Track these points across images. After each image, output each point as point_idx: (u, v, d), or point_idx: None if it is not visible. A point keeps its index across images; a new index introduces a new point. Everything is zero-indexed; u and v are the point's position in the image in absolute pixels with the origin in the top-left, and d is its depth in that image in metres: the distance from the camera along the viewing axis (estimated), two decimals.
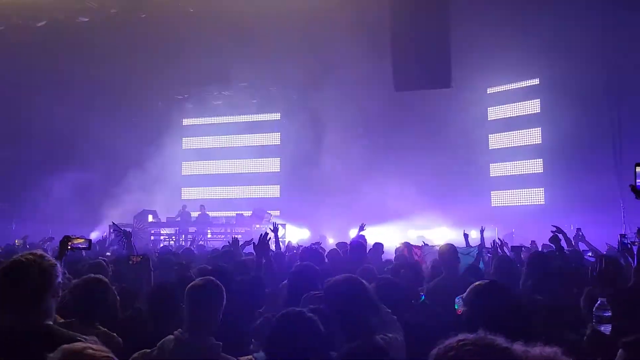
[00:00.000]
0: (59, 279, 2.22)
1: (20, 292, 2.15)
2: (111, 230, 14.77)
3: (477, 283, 2.82)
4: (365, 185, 16.43)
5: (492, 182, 17.85)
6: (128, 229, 6.81)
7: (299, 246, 9.55)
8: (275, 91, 18.89)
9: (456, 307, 3.00)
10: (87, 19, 15.92)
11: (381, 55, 13.77)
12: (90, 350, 1.66)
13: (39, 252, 2.30)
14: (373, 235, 11.14)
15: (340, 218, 16.26)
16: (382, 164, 16.40)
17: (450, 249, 4.72)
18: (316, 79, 16.47)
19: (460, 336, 1.39)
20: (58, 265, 2.25)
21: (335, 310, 2.52)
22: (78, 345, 1.71)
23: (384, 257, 8.17)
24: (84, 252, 8.91)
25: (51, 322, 2.21)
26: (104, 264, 5.03)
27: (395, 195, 16.06)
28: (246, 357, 2.40)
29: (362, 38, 13.47)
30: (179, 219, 16.62)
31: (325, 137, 16.69)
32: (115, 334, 3.18)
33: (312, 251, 5.25)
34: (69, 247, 3.96)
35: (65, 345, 1.69)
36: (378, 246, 8.11)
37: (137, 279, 4.56)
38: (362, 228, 9.06)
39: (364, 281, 2.59)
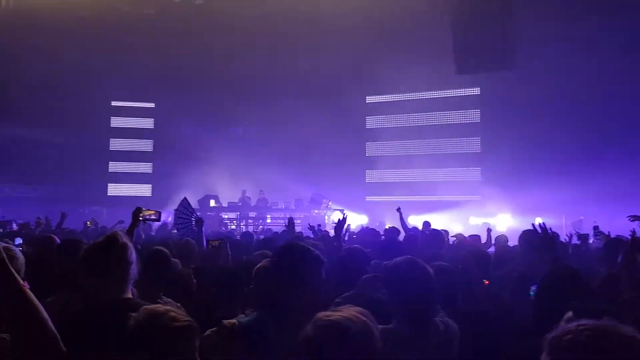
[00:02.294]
0: (131, 258, 2.33)
1: (100, 270, 2.27)
2: (175, 213, 15.31)
3: (552, 270, 2.77)
4: (422, 172, 16.19)
5: None
6: (199, 215, 6.87)
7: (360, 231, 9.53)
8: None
9: (531, 295, 2.91)
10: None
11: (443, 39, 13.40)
12: (172, 314, 1.75)
13: (116, 233, 2.42)
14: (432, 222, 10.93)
15: (398, 204, 16.09)
16: (440, 148, 16.03)
17: (527, 235, 4.49)
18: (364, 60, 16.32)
19: (582, 321, 1.32)
20: (131, 246, 2.36)
21: (394, 293, 2.49)
22: (160, 307, 1.81)
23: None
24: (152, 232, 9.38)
25: (130, 296, 2.34)
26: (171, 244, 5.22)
27: (456, 181, 15.74)
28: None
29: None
30: (240, 203, 16.97)
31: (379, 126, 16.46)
32: (179, 305, 3.31)
33: (370, 230, 5.19)
34: (140, 218, 4.14)
35: (148, 307, 1.79)
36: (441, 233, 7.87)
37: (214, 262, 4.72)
38: (400, 213, 8.77)
39: (425, 264, 2.54)
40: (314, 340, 1.64)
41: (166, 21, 17.35)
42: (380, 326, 2.58)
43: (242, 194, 17.31)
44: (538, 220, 13.70)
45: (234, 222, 16.67)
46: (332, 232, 11.61)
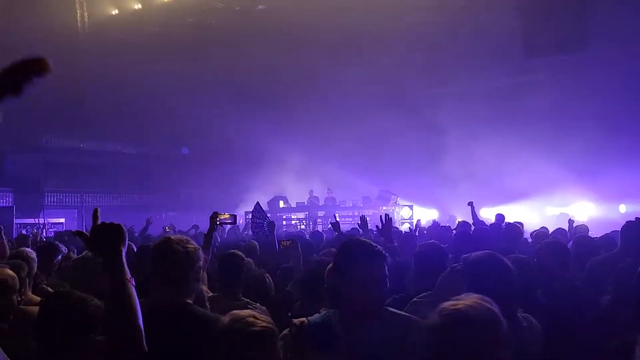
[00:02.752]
0: (200, 263, 2.41)
1: (166, 273, 2.37)
2: (247, 216, 15.76)
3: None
4: (495, 161, 15.65)
5: None
6: (272, 220, 7.15)
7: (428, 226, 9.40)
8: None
9: None
10: None
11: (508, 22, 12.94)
12: (252, 319, 1.90)
13: (185, 237, 2.50)
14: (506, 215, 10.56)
15: (469, 197, 15.68)
16: (512, 138, 15.43)
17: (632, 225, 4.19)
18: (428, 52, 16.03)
19: None
20: (200, 251, 2.43)
21: (475, 288, 2.44)
22: (245, 312, 1.97)
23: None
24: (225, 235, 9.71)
25: (190, 301, 2.40)
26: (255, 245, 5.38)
27: (528, 170, 15.11)
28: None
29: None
30: (307, 204, 17.18)
31: (447, 114, 16.10)
32: (258, 304, 3.40)
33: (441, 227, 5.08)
34: (217, 222, 4.32)
35: (235, 311, 1.97)
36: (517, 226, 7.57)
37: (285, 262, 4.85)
38: (472, 207, 8.60)
39: (505, 258, 2.47)
40: (441, 328, 1.75)
41: (228, 27, 17.82)
42: None
43: (310, 194, 17.52)
44: (622, 209, 12.90)
45: (303, 222, 16.90)
46: (402, 229, 11.56)
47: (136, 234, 9.48)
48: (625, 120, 14.13)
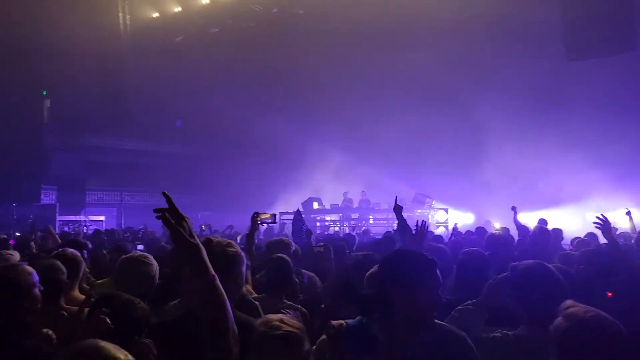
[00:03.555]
0: (243, 268, 2.39)
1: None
2: (281, 217, 15.88)
3: None
4: (535, 164, 15.33)
5: None
6: (309, 228, 7.34)
7: (467, 231, 9.26)
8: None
9: None
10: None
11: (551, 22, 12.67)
12: (278, 323, 2.05)
13: (226, 240, 2.50)
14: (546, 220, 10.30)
15: (507, 201, 15.38)
16: (554, 142, 15.06)
17: None
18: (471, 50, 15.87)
19: None
20: (243, 254, 2.43)
21: (524, 298, 2.41)
22: (276, 315, 2.11)
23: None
24: (261, 236, 9.82)
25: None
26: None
27: (571, 175, 14.73)
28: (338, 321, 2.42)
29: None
30: (342, 206, 17.19)
31: (489, 115, 15.83)
32: (299, 306, 3.44)
33: (501, 238, 4.94)
34: (259, 222, 4.40)
35: (268, 315, 2.12)
36: (557, 233, 7.43)
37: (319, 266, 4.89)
38: (515, 211, 8.50)
39: (552, 268, 2.43)
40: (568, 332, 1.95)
41: (266, 28, 18.00)
42: (509, 332, 2.52)
43: (344, 196, 17.52)
44: None
45: (337, 224, 16.92)
46: (437, 232, 11.44)
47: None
48: None
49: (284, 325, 2.03)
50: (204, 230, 11.27)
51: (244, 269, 2.40)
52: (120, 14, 18.48)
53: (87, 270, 4.04)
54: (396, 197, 5.09)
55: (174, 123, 19.99)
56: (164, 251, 5.13)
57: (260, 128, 18.18)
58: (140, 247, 6.27)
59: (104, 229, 13.34)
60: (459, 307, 2.83)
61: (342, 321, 2.42)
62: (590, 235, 7.75)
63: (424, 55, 15.98)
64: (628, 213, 6.71)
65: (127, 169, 20.12)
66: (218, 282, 1.82)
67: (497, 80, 15.76)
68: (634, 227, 6.44)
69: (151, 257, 3.16)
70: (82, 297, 3.28)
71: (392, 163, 17.24)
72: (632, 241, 6.75)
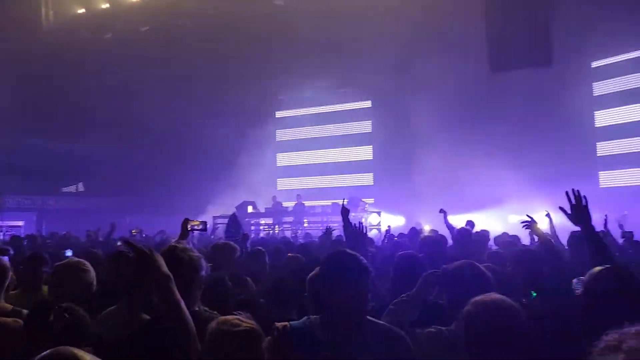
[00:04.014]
0: (203, 272, 2.42)
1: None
2: (214, 221, 15.65)
3: (600, 267, 2.73)
4: (461, 170, 16.01)
5: (600, 162, 16.75)
6: (246, 232, 7.32)
7: (400, 233, 9.54)
8: (365, 79, 18.86)
9: (575, 288, 2.92)
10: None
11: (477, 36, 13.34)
12: (237, 321, 2.11)
13: (186, 246, 2.54)
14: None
15: (436, 205, 15.95)
16: (478, 149, 15.83)
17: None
18: (407, 65, 16.32)
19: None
20: (202, 259, 2.46)
21: (455, 296, 2.55)
22: (230, 317, 2.14)
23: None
24: (195, 241, 9.64)
25: (197, 308, 2.45)
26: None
27: (493, 180, 15.52)
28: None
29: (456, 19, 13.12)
30: (272, 209, 17.15)
31: (418, 123, 16.40)
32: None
33: (433, 240, 5.12)
34: (189, 229, 4.33)
35: (222, 317, 2.14)
36: (484, 234, 7.78)
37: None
38: (444, 214, 8.83)
39: (482, 267, 2.59)
40: (473, 314, 2.12)
41: (197, 29, 17.67)
42: (444, 328, 2.66)
43: (273, 199, 17.46)
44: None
45: (271, 227, 16.90)
46: (370, 235, 11.70)
47: (100, 239, 9.30)
48: (583, 133, 14.75)
49: (244, 323, 2.04)
50: (134, 235, 10.90)
51: (203, 273, 2.43)
52: (43, 9, 17.54)
53: (14, 277, 3.83)
54: (344, 199, 5.21)
55: (102, 123, 19.05)
56: (95, 257, 4.97)
57: (193, 129, 17.85)
58: (69, 252, 6.00)
59: (23, 234, 12.61)
60: (395, 300, 2.95)
61: (287, 323, 2.50)
62: (513, 236, 8.26)
63: (362, 64, 16.36)
64: (547, 215, 7.13)
65: (50, 171, 19.05)
66: (183, 304, 1.92)
67: (429, 89, 16.41)
68: (553, 229, 6.87)
69: (88, 264, 3.06)
70: (9, 307, 3.13)
71: (327, 167, 17.46)
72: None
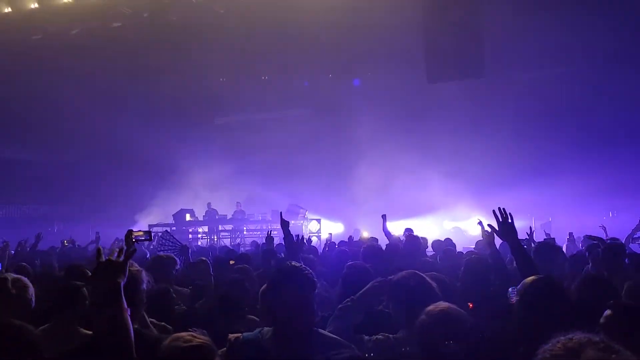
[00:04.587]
0: (144, 285, 2.35)
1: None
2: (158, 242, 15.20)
3: (533, 277, 2.89)
4: (396, 177, 16.41)
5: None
6: (185, 244, 7.16)
7: (341, 241, 9.63)
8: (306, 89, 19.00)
9: (509, 296, 3.07)
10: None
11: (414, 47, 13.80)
12: (189, 337, 2.07)
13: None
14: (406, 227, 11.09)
15: (374, 212, 16.29)
16: (415, 156, 16.30)
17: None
18: (342, 70, 16.64)
19: (576, 335, 1.30)
20: (143, 272, 2.38)
21: (401, 306, 2.62)
22: (184, 333, 2.11)
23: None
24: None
25: (136, 325, 2.35)
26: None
27: (428, 187, 16.02)
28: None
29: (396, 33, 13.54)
30: (206, 217, 16.85)
31: (357, 131, 16.69)
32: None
33: (374, 249, 5.21)
34: (133, 240, 4.18)
35: (175, 334, 2.11)
36: (422, 241, 8.01)
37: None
38: (384, 219, 9.03)
39: (426, 276, 2.68)
40: (426, 323, 2.25)
41: (132, 34, 17.19)
42: (391, 336, 2.73)
43: (208, 206, 17.13)
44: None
45: (209, 236, 16.63)
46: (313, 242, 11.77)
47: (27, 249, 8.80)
48: (516, 146, 15.50)
49: (196, 339, 2.02)
50: (66, 245, 10.37)
51: (144, 286, 2.36)
52: None
53: None
54: (281, 212, 5.22)
55: (25, 127, 17.97)
56: (25, 271, 4.71)
57: (127, 134, 17.27)
58: None
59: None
60: (340, 305, 3.01)
61: (239, 335, 2.49)
62: (448, 240, 8.59)
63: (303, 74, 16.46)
64: (479, 223, 7.47)
65: None
66: (128, 315, 1.83)
67: (365, 97, 16.77)
68: (487, 237, 7.21)
69: (27, 280, 2.90)
70: None
71: (266, 175, 17.38)
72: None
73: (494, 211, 3.58)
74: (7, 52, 15.87)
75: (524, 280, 2.89)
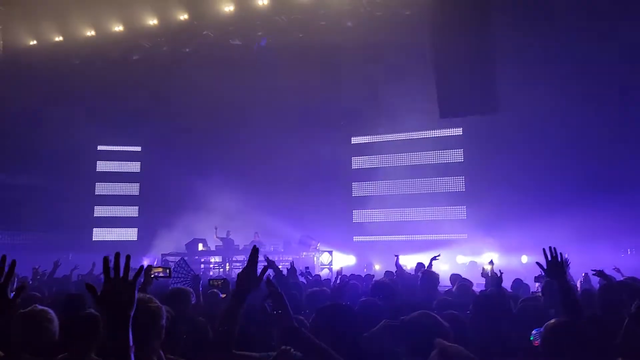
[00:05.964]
0: (163, 321, 2.37)
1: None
2: (163, 259, 15.26)
3: (554, 320, 2.89)
4: (409, 211, 16.41)
5: None
6: (197, 273, 7.22)
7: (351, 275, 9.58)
8: None
9: (531, 339, 3.06)
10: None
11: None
12: None
13: (147, 295, 2.43)
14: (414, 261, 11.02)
15: (386, 243, 16.29)
16: (425, 188, 16.31)
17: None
18: None
19: None
20: (163, 308, 2.40)
21: (412, 345, 2.63)
22: None
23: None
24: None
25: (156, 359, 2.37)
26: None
27: (440, 220, 15.99)
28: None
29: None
30: (223, 245, 16.84)
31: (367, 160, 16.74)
32: None
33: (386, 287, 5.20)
34: (153, 276, 4.23)
35: None
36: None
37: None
38: (397, 257, 9.07)
39: (439, 317, 2.68)
40: None
41: (152, 66, 17.61)
42: None
43: (227, 234, 17.11)
44: (524, 259, 13.91)
45: (221, 266, 16.60)
46: (322, 274, 11.73)
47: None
48: (527, 180, 15.44)
49: None
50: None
51: (164, 322, 2.38)
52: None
53: None
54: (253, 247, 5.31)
55: (46, 155, 18.30)
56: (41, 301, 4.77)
57: (139, 166, 17.58)
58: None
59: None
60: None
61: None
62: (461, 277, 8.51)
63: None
64: (491, 262, 7.53)
65: None
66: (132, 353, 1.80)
67: (371, 131, 16.87)
68: (494, 274, 7.16)
69: (52, 313, 2.94)
70: None
71: (279, 206, 17.43)
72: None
73: (544, 250, 3.50)
74: (31, 82, 16.31)
75: (546, 323, 2.90)
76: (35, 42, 16.95)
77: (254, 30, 16.19)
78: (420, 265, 9.53)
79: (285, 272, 7.16)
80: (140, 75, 17.45)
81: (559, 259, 3.46)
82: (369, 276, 8.67)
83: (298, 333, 2.49)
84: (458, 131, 17.67)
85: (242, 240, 16.80)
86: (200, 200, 17.52)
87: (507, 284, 7.45)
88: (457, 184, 17.68)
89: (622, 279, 6.25)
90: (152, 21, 16.19)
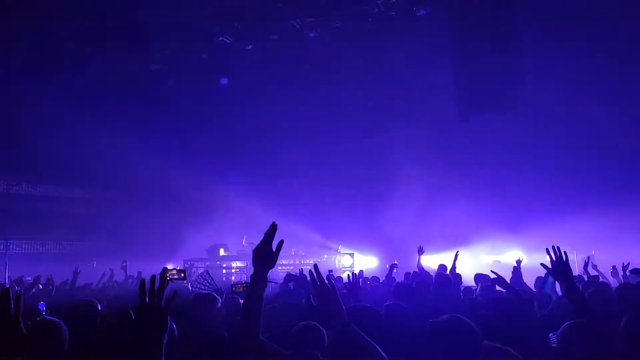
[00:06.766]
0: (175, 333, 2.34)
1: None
2: (185, 265, 15.34)
3: (569, 323, 2.81)
4: (430, 209, 16.23)
5: None
6: (220, 287, 7.21)
7: (372, 277, 9.51)
8: None
9: (550, 341, 2.97)
10: None
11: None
12: None
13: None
14: (440, 262, 10.89)
15: (407, 245, 16.07)
16: (450, 188, 16.11)
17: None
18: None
19: None
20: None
21: (441, 350, 2.56)
22: None
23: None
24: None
25: None
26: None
27: (464, 219, 15.74)
28: None
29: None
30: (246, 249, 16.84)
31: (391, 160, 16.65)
32: None
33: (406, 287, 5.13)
34: (168, 278, 4.24)
35: None
36: (457, 277, 7.81)
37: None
38: (420, 252, 8.93)
39: (470, 322, 2.60)
40: None
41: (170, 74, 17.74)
42: None
43: (246, 240, 17.16)
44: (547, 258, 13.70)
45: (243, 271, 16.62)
46: (343, 276, 11.67)
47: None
48: (550, 177, 15.16)
49: None
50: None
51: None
52: None
53: None
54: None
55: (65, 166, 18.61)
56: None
57: (163, 172, 17.67)
58: (42, 303, 5.73)
59: None
60: None
61: None
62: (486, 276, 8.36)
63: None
64: (518, 262, 7.41)
65: (15, 215, 18.39)
66: None
67: (396, 132, 16.81)
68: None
69: (62, 323, 2.94)
70: None
71: (299, 209, 17.39)
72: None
73: (547, 249, 3.38)
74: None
75: (563, 325, 2.82)
76: None
77: None
78: (442, 266, 9.40)
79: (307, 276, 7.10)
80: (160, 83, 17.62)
81: (564, 259, 3.32)
82: (391, 278, 8.57)
83: (353, 331, 2.24)
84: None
85: None
86: (222, 205, 17.60)
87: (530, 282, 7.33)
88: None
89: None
90: None
